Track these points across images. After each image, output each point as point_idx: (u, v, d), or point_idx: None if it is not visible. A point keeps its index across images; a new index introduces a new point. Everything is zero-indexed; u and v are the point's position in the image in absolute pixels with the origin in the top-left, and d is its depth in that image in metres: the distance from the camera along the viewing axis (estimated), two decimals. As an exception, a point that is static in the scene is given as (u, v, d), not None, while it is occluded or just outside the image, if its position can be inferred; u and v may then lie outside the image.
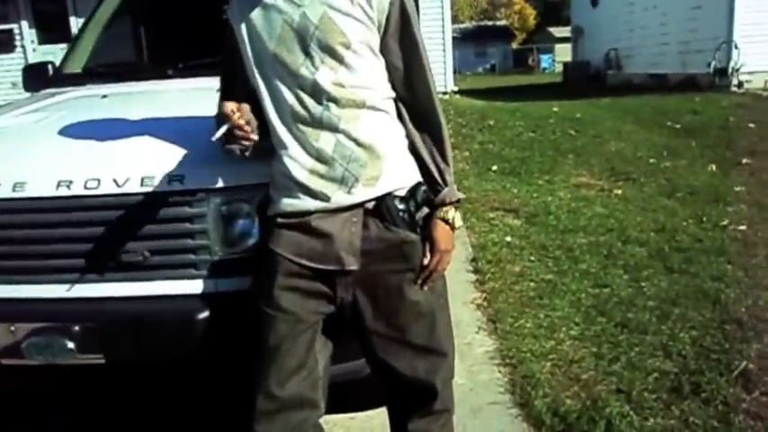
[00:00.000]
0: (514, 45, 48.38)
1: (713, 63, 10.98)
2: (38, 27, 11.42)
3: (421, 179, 1.41)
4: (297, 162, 1.34)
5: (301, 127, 1.34)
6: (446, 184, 1.43)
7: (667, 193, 4.93)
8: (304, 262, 1.35)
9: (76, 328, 1.50)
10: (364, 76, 1.33)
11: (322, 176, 1.33)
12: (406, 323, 1.39)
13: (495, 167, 6.07)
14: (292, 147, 1.34)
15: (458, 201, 1.44)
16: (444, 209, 1.42)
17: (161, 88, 2.26)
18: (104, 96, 2.20)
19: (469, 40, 42.64)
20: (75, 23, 10.74)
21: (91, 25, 2.92)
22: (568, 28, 21.74)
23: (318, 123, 1.33)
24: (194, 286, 1.55)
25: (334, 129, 1.32)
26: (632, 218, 4.26)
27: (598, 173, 5.74)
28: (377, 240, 1.35)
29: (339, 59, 1.30)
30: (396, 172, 1.36)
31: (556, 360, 2.46)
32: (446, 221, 1.41)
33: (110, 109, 2.03)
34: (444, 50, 11.61)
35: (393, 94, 1.39)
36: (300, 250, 1.35)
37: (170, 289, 1.54)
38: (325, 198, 1.33)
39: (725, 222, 4.07)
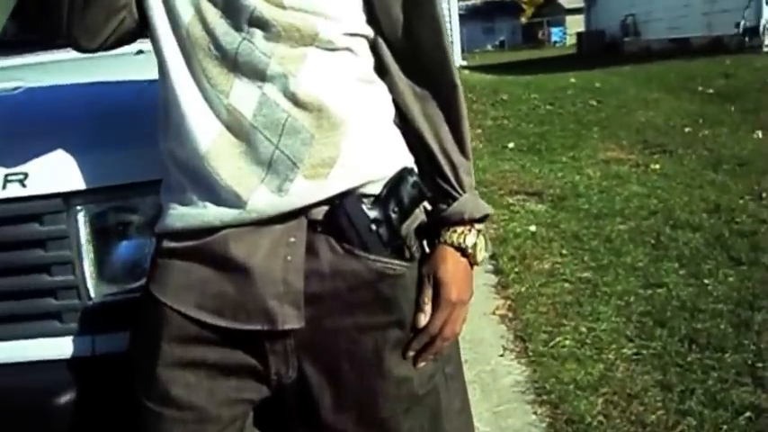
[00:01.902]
0: (523, 19, 47.10)
1: (742, 22, 10.20)
2: None
3: (409, 164, 0.81)
4: (194, 135, 0.75)
5: (206, 69, 0.75)
6: (463, 189, 0.82)
7: (712, 165, 4.29)
8: (206, 319, 0.76)
9: None
10: None
11: (233, 161, 0.74)
12: (389, 417, 0.79)
13: (511, 145, 5.43)
14: (189, 107, 0.75)
15: (482, 218, 0.84)
16: (459, 230, 0.82)
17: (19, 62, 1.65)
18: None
19: (477, 17, 41.45)
20: None
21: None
22: (580, -3, 20.84)
23: (232, 64, 0.73)
24: (56, 348, 0.97)
25: (258, 75, 0.73)
26: (677, 197, 3.62)
27: (628, 146, 5.10)
28: (332, 275, 0.76)
29: None
30: (364, 153, 0.77)
31: (609, 394, 1.86)
32: (461, 250, 0.81)
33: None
34: (450, 26, 11.02)
35: (370, 31, 0.79)
36: (201, 298, 0.76)
37: (16, 354, 0.97)
38: (239, 202, 0.74)
39: (790, 198, 3.43)
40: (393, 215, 0.77)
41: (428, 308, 0.79)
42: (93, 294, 0.98)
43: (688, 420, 1.71)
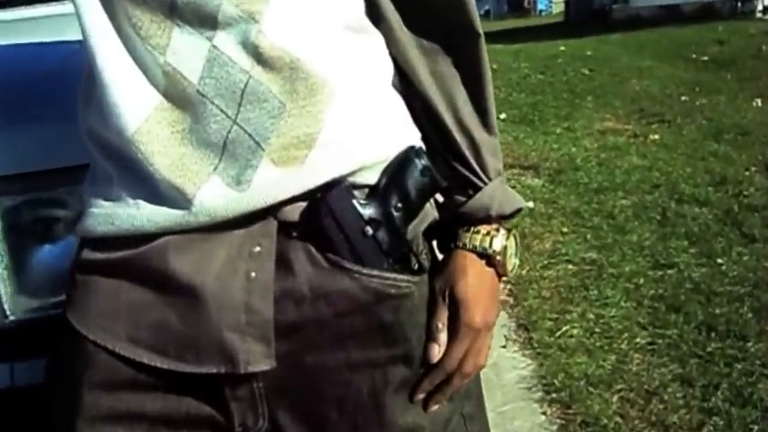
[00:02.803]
0: (508, -13, 46.43)
1: (734, -12, 9.97)
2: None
3: (416, 142, 0.60)
4: (119, 109, 0.53)
5: (133, 17, 0.52)
6: (487, 175, 0.62)
7: (713, 135, 4.11)
8: (142, 359, 0.55)
9: None
10: None
11: (173, 143, 0.53)
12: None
13: (503, 116, 5.21)
14: (111, 70, 0.53)
15: (513, 214, 0.63)
16: (483, 231, 0.61)
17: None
18: None
19: (461, -15, 40.71)
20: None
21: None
22: (567, -37, 20.41)
23: (169, 6, 0.51)
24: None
25: (206, 21, 0.50)
26: (680, 169, 3.44)
27: (625, 116, 4.90)
28: (314, 298, 0.55)
29: None
30: (355, 128, 0.55)
31: (625, 390, 1.69)
32: (486, 257, 0.61)
33: None
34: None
35: None
36: (134, 330, 0.55)
37: None
38: (182, 199, 0.53)
39: (798, 169, 3.27)
40: (395, 213, 0.56)
41: (443, 336, 0.59)
42: (9, 312, 0.77)
43: (714, 420, 1.55)
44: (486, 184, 0.61)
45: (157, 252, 0.54)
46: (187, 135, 0.53)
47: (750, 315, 1.96)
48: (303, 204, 0.54)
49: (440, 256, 0.63)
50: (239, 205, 0.53)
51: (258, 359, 0.54)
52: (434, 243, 0.64)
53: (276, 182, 0.53)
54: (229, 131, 0.52)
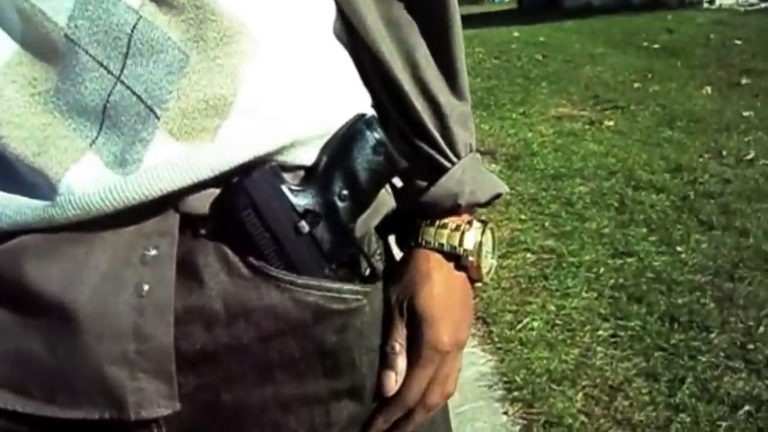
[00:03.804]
0: (462, -26, 46.51)
1: (682, -22, 10.12)
2: None
3: (367, 109, 0.46)
4: None
5: None
6: (456, 152, 0.49)
7: (666, 122, 4.11)
8: (-4, 400, 0.41)
9: None
10: None
11: (33, 109, 0.38)
12: None
13: (458, 100, 5.12)
14: None
15: (490, 202, 0.51)
16: (452, 224, 0.48)
17: None
18: None
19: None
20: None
21: None
22: (520, -50, 20.52)
23: None
24: None
25: None
26: (636, 155, 3.41)
27: (579, 102, 4.87)
28: (230, 317, 0.41)
29: None
30: (284, 89, 0.41)
31: (589, 387, 1.61)
32: (455, 258, 0.48)
33: None
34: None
35: None
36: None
37: None
38: (45, 185, 0.38)
39: (749, 156, 3.27)
40: (340, 203, 0.43)
41: (400, 361, 0.46)
42: None
43: (681, 417, 1.48)
44: (453, 163, 0.48)
45: (11, 258, 0.39)
46: (52, 98, 0.38)
47: (712, 305, 1.91)
48: (215, 192, 0.40)
49: (398, 258, 0.50)
50: (125, 193, 0.38)
51: (154, 400, 0.40)
52: (391, 240, 0.51)
53: (176, 161, 0.39)
54: (110, 93, 0.38)
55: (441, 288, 0.47)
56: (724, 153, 3.33)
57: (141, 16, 0.38)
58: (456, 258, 0.48)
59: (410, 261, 0.48)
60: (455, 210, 0.49)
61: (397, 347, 0.46)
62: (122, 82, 0.38)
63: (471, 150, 0.50)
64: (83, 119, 0.38)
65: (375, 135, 0.43)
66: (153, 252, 0.40)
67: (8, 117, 0.38)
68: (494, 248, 0.51)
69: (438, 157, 0.48)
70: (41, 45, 0.38)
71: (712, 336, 1.76)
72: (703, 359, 1.67)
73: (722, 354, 1.69)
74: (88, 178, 0.38)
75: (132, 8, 0.38)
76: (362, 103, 0.46)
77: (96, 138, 0.39)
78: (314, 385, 0.43)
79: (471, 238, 0.48)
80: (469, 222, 0.49)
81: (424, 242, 0.48)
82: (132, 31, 0.38)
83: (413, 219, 0.49)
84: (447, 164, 0.48)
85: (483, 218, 0.52)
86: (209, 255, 0.41)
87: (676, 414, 1.49)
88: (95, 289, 0.39)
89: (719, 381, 1.58)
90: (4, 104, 0.38)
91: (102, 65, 0.38)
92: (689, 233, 2.41)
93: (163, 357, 0.39)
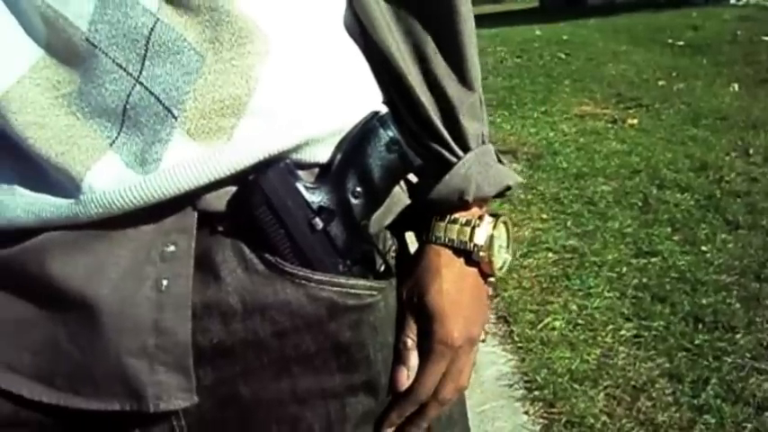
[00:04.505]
0: (483, -27, 46.33)
1: (708, -26, 9.95)
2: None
3: (380, 107, 0.47)
4: None
5: None
6: (464, 145, 0.48)
7: (691, 120, 4.04)
8: (22, 391, 0.42)
9: None
10: None
11: (56, 111, 0.39)
12: None
13: (479, 100, 5.10)
14: None
15: (502, 194, 0.51)
16: (462, 219, 0.49)
17: None
18: None
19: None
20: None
21: None
22: (542, -52, 20.36)
23: None
24: None
25: None
26: (660, 154, 3.37)
27: (602, 100, 4.82)
28: (247, 312, 0.42)
29: None
30: (299, 89, 0.42)
31: (611, 387, 1.60)
32: (465, 253, 0.48)
33: None
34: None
35: None
36: (12, 353, 0.42)
37: None
38: (68, 184, 0.39)
39: (778, 154, 3.21)
40: (354, 200, 0.43)
41: (412, 357, 0.47)
42: None
43: (705, 418, 1.46)
44: (459, 158, 0.48)
45: (36, 253, 0.41)
46: (75, 100, 0.40)
47: (738, 305, 1.88)
48: (231, 190, 0.41)
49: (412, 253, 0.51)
50: (144, 192, 0.39)
51: (172, 393, 0.41)
52: (407, 237, 0.52)
53: (194, 160, 0.40)
54: (130, 94, 0.39)
55: (450, 284, 0.47)
56: (751, 151, 3.27)
57: (158, 19, 0.39)
58: (467, 254, 0.48)
59: (421, 257, 0.49)
60: (464, 205, 0.49)
61: (409, 343, 0.47)
62: (141, 83, 0.39)
63: (483, 141, 0.50)
64: (104, 119, 0.40)
65: (389, 133, 0.44)
66: (172, 248, 0.41)
67: (33, 119, 0.39)
68: (508, 243, 0.51)
69: (444, 152, 0.49)
70: (64, 49, 0.39)
71: (738, 336, 1.73)
72: (728, 360, 1.64)
73: (748, 355, 1.66)
74: (109, 177, 0.39)
75: (150, 11, 0.39)
76: (376, 99, 0.46)
77: (117, 138, 0.40)
78: (329, 380, 0.44)
79: (482, 232, 0.48)
80: (480, 217, 0.49)
81: (434, 238, 0.49)
82: (150, 34, 0.39)
83: (425, 214, 0.50)
84: (452, 159, 0.49)
85: (504, 217, 0.52)
86: (226, 251, 0.42)
87: (700, 415, 1.47)
88: (116, 284, 0.40)
89: (745, 382, 1.55)
90: (29, 107, 0.39)
91: (121, 67, 0.39)
92: (714, 233, 2.37)
93: (181, 351, 0.40)
